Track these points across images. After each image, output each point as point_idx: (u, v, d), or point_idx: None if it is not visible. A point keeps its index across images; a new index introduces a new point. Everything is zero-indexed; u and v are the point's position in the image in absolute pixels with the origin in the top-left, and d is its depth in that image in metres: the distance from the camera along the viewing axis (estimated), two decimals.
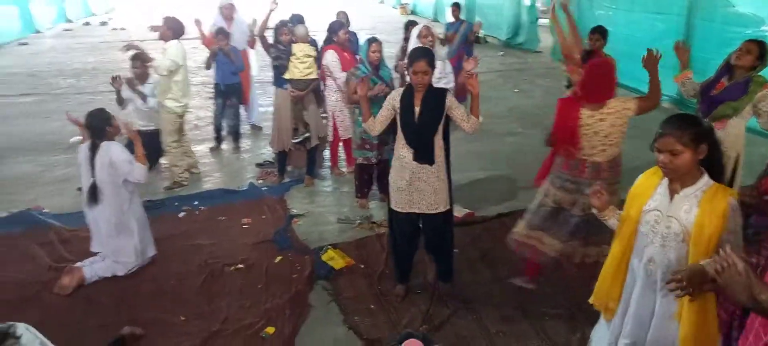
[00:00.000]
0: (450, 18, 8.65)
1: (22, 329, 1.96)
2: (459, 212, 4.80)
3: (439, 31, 7.63)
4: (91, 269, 3.84)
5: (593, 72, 3.21)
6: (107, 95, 5.10)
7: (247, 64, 6.90)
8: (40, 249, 4.23)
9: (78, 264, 3.86)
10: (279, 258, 4.15)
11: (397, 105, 3.32)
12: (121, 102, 5.38)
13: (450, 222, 3.58)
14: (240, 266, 4.04)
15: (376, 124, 3.43)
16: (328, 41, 5.49)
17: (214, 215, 4.88)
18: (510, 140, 6.89)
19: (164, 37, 5.34)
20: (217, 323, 3.41)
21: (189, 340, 3.25)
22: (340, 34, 5.29)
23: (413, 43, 4.63)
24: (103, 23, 19.16)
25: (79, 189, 5.29)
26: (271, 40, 5.67)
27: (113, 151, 3.80)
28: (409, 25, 6.19)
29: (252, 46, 6.96)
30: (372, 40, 4.87)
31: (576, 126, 3.16)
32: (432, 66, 3.24)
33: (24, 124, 7.69)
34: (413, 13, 20.34)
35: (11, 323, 1.85)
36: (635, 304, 2.30)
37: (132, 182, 3.89)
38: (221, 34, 6.23)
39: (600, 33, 5.21)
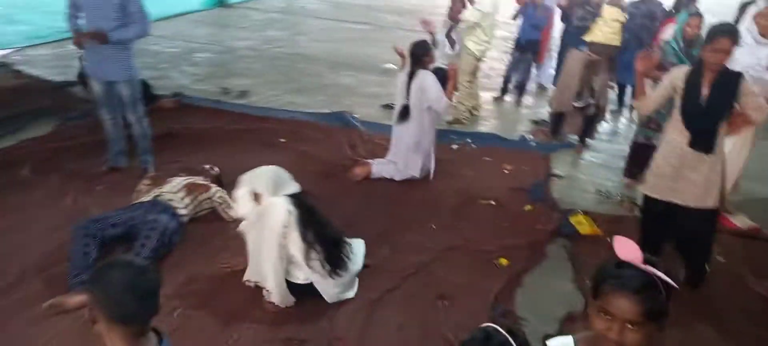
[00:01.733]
0: None
1: None
2: (742, 222, 4.22)
3: None
4: (378, 168, 4.66)
5: None
6: (420, 34, 5.92)
7: (551, 23, 7.02)
8: (346, 142, 5.27)
9: (369, 160, 4.73)
10: (529, 207, 4.35)
11: (680, 84, 3.09)
12: (433, 43, 6.12)
13: (714, 222, 3.24)
14: (491, 202, 4.38)
15: (649, 103, 3.28)
16: (669, 15, 5.23)
17: (481, 154, 5.30)
18: None
19: None
20: (459, 239, 3.84)
21: (433, 243, 3.76)
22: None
23: (747, 24, 4.14)
24: None
25: (384, 106, 6.35)
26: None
27: (427, 79, 4.43)
28: (745, 6, 5.42)
29: (561, 6, 7.01)
30: (693, 14, 4.48)
31: None
32: (735, 45, 2.92)
33: (354, 46, 9.33)
34: None
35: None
36: None
37: (434, 109, 4.49)
38: None
39: None
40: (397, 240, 3.78)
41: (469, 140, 5.58)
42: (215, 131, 5.33)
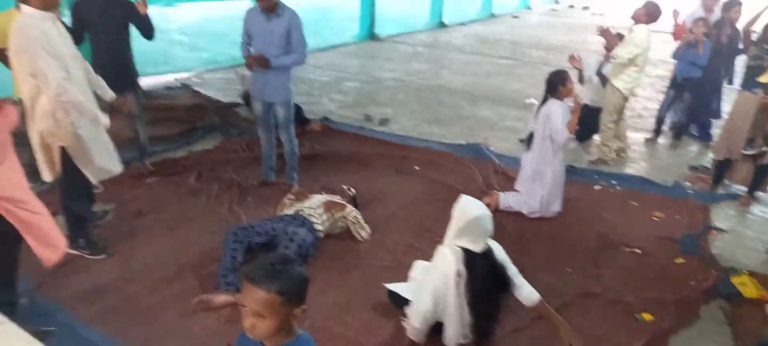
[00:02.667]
0: None
1: None
2: None
3: None
4: (506, 199, 4.54)
5: None
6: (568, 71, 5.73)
7: None
8: (478, 173, 5.22)
9: (498, 192, 4.63)
10: (680, 260, 3.92)
11: None
12: (581, 79, 5.88)
13: None
14: (636, 250, 4.03)
15: None
16: None
17: (627, 197, 4.92)
18: None
19: (637, 19, 5.46)
20: (596, 286, 3.57)
21: (566, 288, 3.54)
22: None
23: None
24: (585, 8, 20.38)
25: (521, 140, 6.21)
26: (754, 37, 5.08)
27: (554, 107, 4.29)
28: None
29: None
30: None
31: None
32: None
33: (496, 80, 9.26)
34: None
35: None
36: None
37: (554, 140, 4.31)
38: (700, 21, 5.91)
39: None
40: (526, 279, 3.61)
41: (614, 182, 5.21)
42: (355, 155, 5.59)
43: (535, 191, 4.45)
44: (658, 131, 6.46)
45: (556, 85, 4.32)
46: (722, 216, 4.67)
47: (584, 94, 5.87)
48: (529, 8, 19.16)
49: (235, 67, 7.91)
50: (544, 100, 4.39)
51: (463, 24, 15.09)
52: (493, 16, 16.79)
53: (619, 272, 3.77)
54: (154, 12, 4.49)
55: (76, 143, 3.26)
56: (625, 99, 5.60)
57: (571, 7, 20.75)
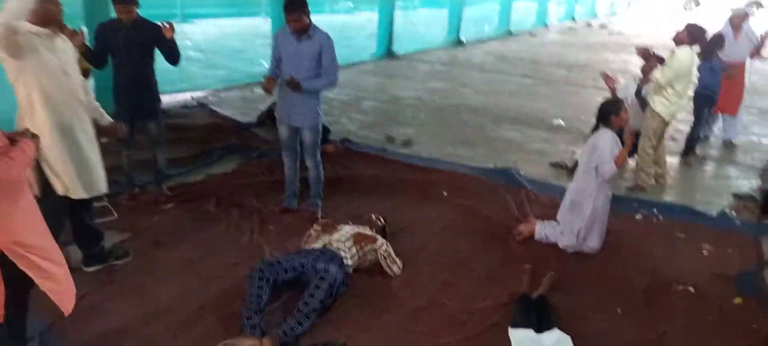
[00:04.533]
0: None
1: None
2: None
3: None
4: (542, 229, 4.25)
5: None
6: (591, 90, 5.49)
7: (742, 75, 6.72)
8: (512, 201, 4.94)
9: (535, 220, 4.35)
10: (738, 300, 3.61)
11: None
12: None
13: None
14: (690, 288, 3.72)
15: None
16: None
17: (671, 228, 4.62)
18: None
19: (679, 41, 5.22)
20: (651, 332, 3.26)
21: (620, 335, 3.24)
22: None
23: None
24: (603, 26, 20.15)
25: (553, 164, 5.95)
26: None
27: (603, 138, 4.01)
28: None
29: (753, 57, 6.76)
30: None
31: None
32: None
33: (519, 100, 9.01)
34: None
35: None
36: None
37: (600, 173, 4.01)
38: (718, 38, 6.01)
39: None
40: (572, 324, 3.31)
41: (656, 211, 4.92)
42: (380, 179, 5.34)
43: (573, 223, 4.13)
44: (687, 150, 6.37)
45: (609, 114, 4.04)
46: None
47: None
48: (546, 26, 18.96)
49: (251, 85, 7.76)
50: (595, 129, 4.13)
51: (480, 42, 14.90)
52: (510, 33, 16.60)
53: (675, 314, 3.46)
54: None
55: (46, 152, 3.01)
56: (666, 123, 5.33)
57: (589, 25, 20.53)
